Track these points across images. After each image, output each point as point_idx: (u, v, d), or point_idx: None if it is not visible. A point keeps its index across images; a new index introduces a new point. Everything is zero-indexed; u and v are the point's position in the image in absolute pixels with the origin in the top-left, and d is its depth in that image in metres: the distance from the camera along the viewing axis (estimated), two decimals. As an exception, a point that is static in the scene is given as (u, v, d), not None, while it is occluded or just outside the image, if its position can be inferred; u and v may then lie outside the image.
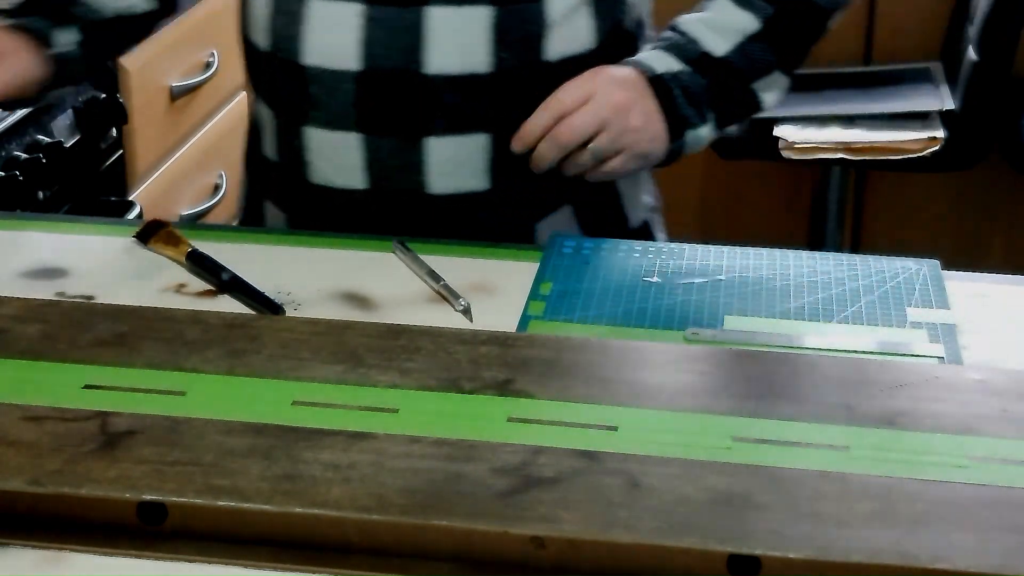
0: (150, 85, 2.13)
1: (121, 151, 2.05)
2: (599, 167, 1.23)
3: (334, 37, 1.27)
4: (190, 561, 0.84)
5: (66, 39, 1.31)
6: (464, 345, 1.01)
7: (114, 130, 2.02)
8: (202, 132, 2.37)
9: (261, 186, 1.40)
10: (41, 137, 1.77)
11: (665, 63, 1.27)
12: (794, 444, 0.90)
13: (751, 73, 1.30)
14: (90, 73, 1.48)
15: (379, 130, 1.27)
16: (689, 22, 1.31)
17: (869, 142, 2.65)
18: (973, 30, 2.56)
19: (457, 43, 1.25)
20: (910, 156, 2.61)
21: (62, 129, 1.84)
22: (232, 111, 2.49)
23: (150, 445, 0.89)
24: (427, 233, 1.27)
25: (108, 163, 2.01)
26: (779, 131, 2.66)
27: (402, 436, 0.90)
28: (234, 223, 1.50)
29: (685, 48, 1.29)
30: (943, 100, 2.70)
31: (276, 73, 1.31)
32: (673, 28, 1.31)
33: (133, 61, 2.03)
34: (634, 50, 1.34)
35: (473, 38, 1.26)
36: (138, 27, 1.41)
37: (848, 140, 2.65)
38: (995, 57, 2.51)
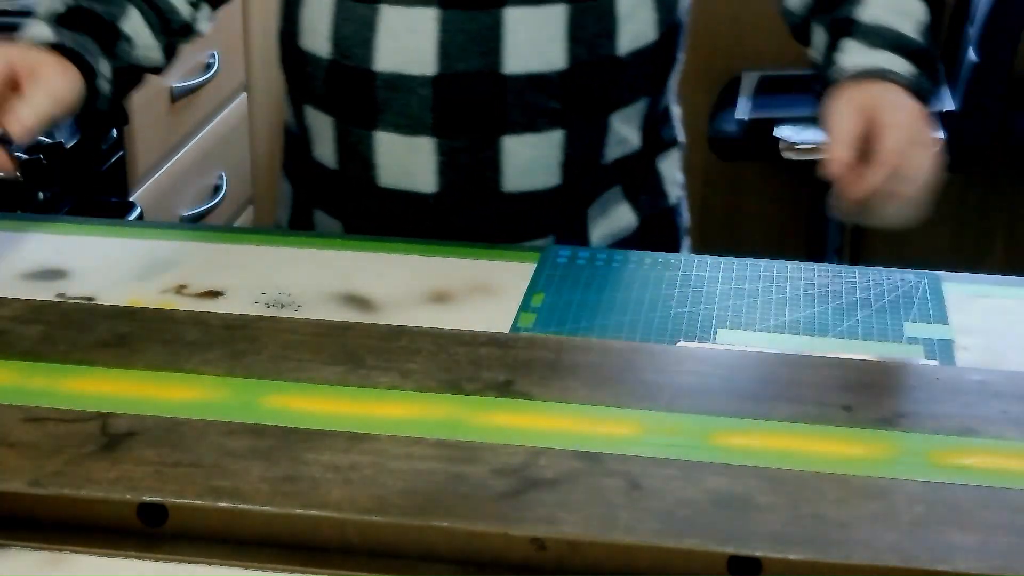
0: (150, 86, 2.01)
1: (121, 152, 2.04)
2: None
3: (409, 42, 1.26)
4: (191, 562, 0.84)
5: (104, 73, 1.24)
6: (464, 346, 1.01)
7: (114, 131, 2.00)
8: (203, 133, 2.36)
9: (310, 194, 1.39)
10: (41, 137, 1.77)
11: (901, 65, 1.21)
12: (795, 446, 0.90)
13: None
14: (109, 119, 1.37)
15: (454, 132, 1.27)
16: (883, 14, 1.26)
17: None
18: (973, 30, 2.57)
19: (533, 42, 1.26)
20: (910, 156, 2.63)
21: (62, 129, 1.83)
22: (232, 112, 2.48)
23: (151, 446, 0.89)
24: (492, 232, 1.28)
25: (108, 164, 2.00)
26: (779, 132, 2.67)
27: (403, 438, 0.90)
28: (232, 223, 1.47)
29: (902, 41, 1.24)
30: (943, 100, 2.68)
31: (339, 80, 1.30)
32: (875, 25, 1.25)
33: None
34: (681, 39, 1.37)
35: (549, 36, 1.26)
36: (139, 80, 1.34)
37: None
38: (995, 57, 2.51)
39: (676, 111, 1.45)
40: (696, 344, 1.05)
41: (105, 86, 1.23)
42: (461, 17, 1.25)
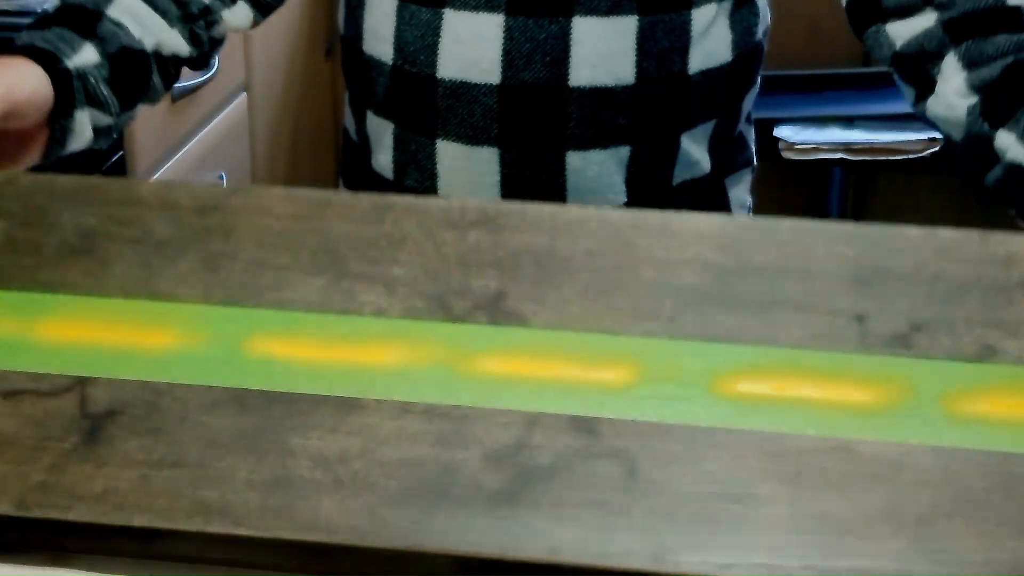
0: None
1: (121, 152, 1.95)
2: None
3: (474, 50, 1.21)
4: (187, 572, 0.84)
5: (83, 57, 1.12)
6: (453, 230, 0.93)
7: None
8: (202, 133, 2.31)
9: None
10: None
11: None
12: (801, 391, 0.85)
13: None
14: (118, 107, 1.19)
15: (518, 144, 1.22)
16: None
17: (869, 143, 2.66)
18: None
19: (602, 54, 1.21)
20: (910, 157, 2.60)
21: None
22: (232, 112, 2.45)
23: (133, 434, 0.86)
24: None
25: (108, 164, 1.92)
26: (779, 132, 2.70)
27: (392, 404, 0.86)
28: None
29: None
30: None
31: (402, 86, 1.26)
32: None
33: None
34: (759, 63, 1.33)
35: (618, 49, 1.21)
36: (166, 72, 1.25)
37: (848, 141, 2.66)
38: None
39: (751, 133, 1.40)
40: (700, 216, 0.96)
41: (90, 70, 1.13)
42: (528, 25, 1.20)
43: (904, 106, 2.87)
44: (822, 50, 2.87)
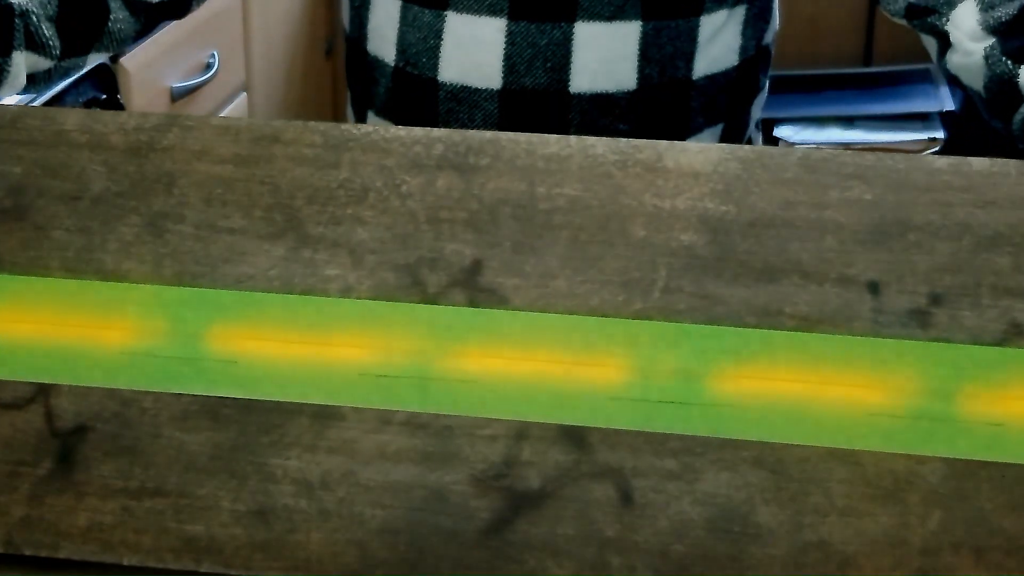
0: (150, 86, 2.05)
1: None
2: None
3: (475, 54, 1.19)
4: (188, 580, 0.84)
5: None
6: (419, 175, 0.82)
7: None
8: None
9: None
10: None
11: None
12: (805, 389, 0.79)
13: None
14: (59, 51, 1.03)
15: None
16: None
17: (869, 143, 2.69)
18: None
19: (604, 59, 1.18)
20: (910, 159, 2.39)
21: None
22: (233, 112, 2.40)
23: (107, 455, 0.82)
24: None
25: None
26: (779, 132, 2.71)
27: (371, 414, 0.81)
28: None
29: None
30: (943, 101, 2.74)
31: (403, 88, 1.24)
32: None
33: (133, 61, 1.96)
34: (766, 67, 1.29)
35: (620, 54, 1.18)
36: (137, 15, 1.11)
37: (848, 141, 2.70)
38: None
39: (759, 140, 1.36)
40: (695, 148, 0.83)
41: (33, 7, 1.00)
42: (530, 30, 1.17)
43: (904, 106, 2.74)
44: (822, 50, 2.86)
